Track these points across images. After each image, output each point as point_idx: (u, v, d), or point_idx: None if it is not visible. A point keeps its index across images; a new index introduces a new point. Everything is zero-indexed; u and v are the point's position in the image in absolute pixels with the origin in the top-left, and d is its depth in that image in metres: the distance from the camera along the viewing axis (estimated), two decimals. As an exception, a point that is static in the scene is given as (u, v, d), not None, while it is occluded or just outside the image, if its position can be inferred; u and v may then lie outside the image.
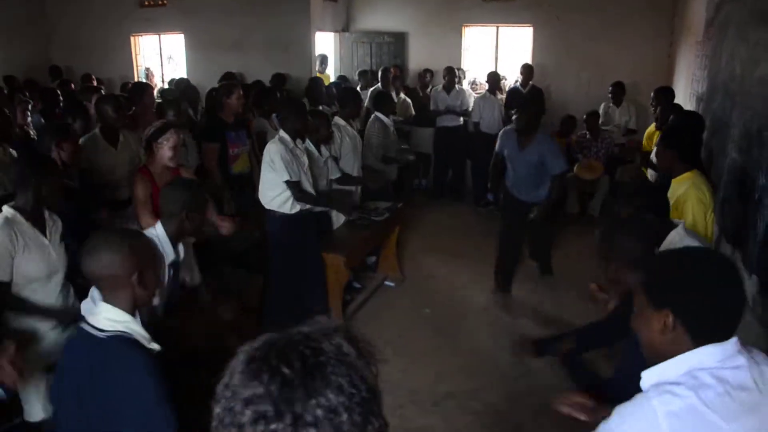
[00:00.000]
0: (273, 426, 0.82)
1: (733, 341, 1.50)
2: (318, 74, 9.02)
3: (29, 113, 6.65)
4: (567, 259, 6.36)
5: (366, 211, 5.39)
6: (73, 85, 8.84)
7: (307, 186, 4.49)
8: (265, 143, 5.66)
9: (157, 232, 2.86)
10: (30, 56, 10.77)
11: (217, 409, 0.88)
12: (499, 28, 9.85)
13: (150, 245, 2.11)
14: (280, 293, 4.51)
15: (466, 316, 5.30)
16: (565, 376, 3.17)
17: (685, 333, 1.50)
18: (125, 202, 4.37)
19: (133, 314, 1.97)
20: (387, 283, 5.87)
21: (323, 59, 9.51)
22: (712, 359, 1.47)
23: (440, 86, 8.49)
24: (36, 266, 2.98)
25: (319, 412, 0.83)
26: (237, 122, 5.37)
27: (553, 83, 9.05)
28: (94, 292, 2.09)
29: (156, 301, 2.74)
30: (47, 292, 3.08)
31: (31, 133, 6.14)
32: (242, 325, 3.30)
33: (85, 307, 2.08)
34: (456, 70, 8.65)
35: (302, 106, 4.56)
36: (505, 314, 5.32)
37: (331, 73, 9.90)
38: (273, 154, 4.35)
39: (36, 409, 3.13)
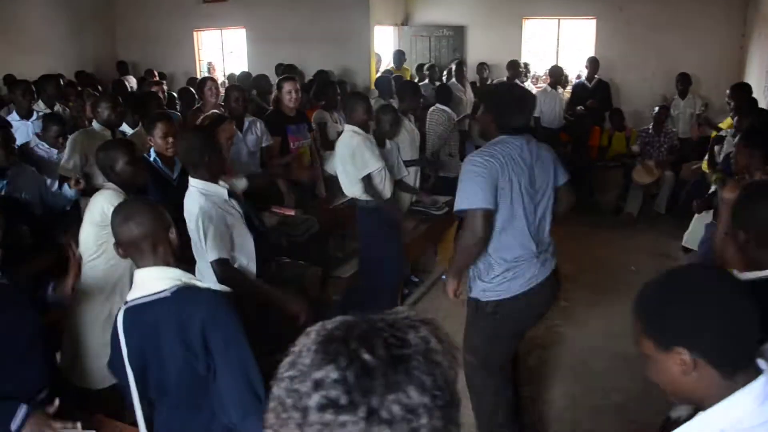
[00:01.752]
0: (343, 417, 0.74)
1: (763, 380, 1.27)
2: (394, 69, 8.90)
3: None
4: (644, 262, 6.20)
5: (425, 205, 5.37)
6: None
7: (377, 178, 4.48)
8: (325, 134, 5.76)
9: (197, 185, 2.99)
10: (97, 52, 11.17)
11: (278, 390, 0.81)
12: (561, 20, 9.67)
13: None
14: (377, 285, 4.54)
15: (524, 313, 5.22)
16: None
17: (707, 366, 1.27)
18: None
19: (177, 266, 2.04)
20: (444, 277, 5.83)
21: (400, 55, 9.31)
22: (748, 418, 1.24)
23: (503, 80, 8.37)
24: None
25: (396, 409, 0.75)
26: (298, 115, 5.41)
27: (617, 76, 8.82)
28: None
29: None
30: None
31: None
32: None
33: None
34: (522, 65, 8.51)
35: (363, 99, 4.54)
36: (567, 308, 5.23)
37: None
38: (345, 148, 4.35)
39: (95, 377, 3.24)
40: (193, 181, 3.02)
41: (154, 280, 1.95)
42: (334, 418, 0.74)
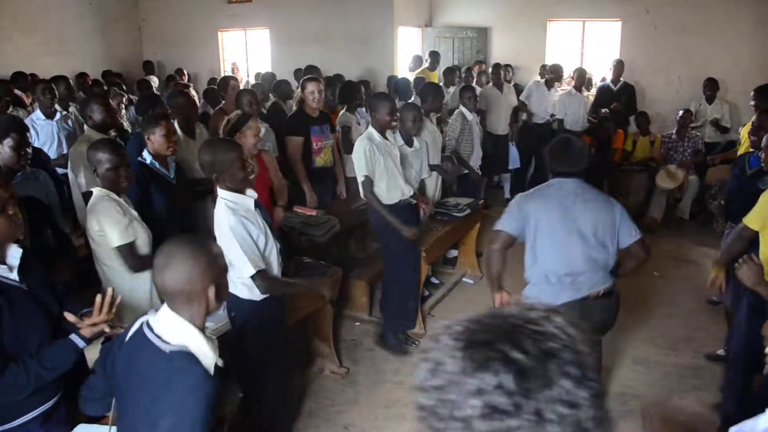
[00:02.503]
0: (510, 422, 0.73)
1: None
2: (428, 71, 8.79)
3: (124, 106, 6.95)
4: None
5: (447, 206, 5.36)
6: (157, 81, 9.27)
7: (399, 179, 4.48)
8: (349, 137, 5.77)
9: (224, 196, 2.99)
10: (123, 51, 11.32)
11: (425, 401, 0.79)
12: (586, 22, 9.60)
13: (223, 256, 1.97)
14: (400, 282, 4.56)
15: (544, 315, 5.19)
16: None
17: None
18: (204, 193, 4.53)
19: (201, 326, 1.87)
20: (465, 279, 5.83)
21: (434, 55, 9.01)
22: None
23: (541, 81, 8.33)
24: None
25: (560, 407, 0.74)
26: (321, 116, 5.44)
27: (642, 80, 8.73)
28: None
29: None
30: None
31: (125, 125, 6.42)
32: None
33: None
34: (540, 67, 8.47)
35: (386, 99, 4.53)
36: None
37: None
38: (356, 152, 4.39)
39: None
40: (221, 193, 3.01)
41: (168, 325, 1.84)
42: (501, 424, 0.73)
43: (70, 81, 6.64)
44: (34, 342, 2.25)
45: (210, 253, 1.87)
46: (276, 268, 3.15)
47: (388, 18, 9.23)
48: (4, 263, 2.18)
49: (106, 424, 2.56)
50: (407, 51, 10.06)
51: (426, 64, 8.88)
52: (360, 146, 4.34)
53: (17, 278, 2.21)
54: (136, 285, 3.23)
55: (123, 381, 1.89)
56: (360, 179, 4.37)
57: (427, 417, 0.78)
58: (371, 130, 4.43)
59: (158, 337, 1.81)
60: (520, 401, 0.73)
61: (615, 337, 4.77)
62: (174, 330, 1.82)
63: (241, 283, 3.01)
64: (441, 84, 7.90)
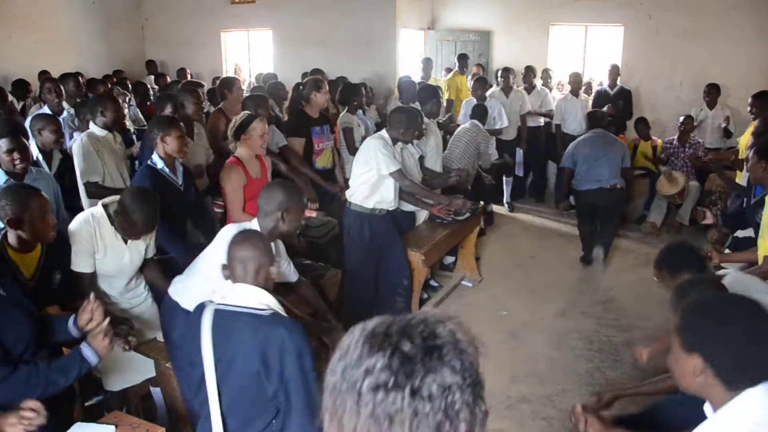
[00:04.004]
0: (391, 396, 0.89)
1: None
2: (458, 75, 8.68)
3: (126, 105, 6.96)
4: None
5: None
6: (168, 79, 9.26)
7: (392, 188, 4.49)
8: (352, 139, 5.77)
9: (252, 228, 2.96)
10: (126, 51, 11.33)
11: (333, 379, 0.95)
12: (588, 27, 9.61)
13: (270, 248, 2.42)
14: (356, 290, 4.57)
15: (542, 320, 5.20)
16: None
17: (714, 378, 1.53)
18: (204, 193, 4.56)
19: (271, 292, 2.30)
20: (464, 283, 5.84)
21: (463, 59, 8.79)
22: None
23: (521, 87, 8.34)
24: (108, 265, 3.22)
25: (434, 387, 0.89)
26: (321, 117, 5.45)
27: (643, 85, 8.74)
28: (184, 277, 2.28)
29: None
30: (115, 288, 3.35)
31: (128, 124, 6.43)
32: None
33: (183, 288, 2.55)
34: (542, 71, 8.46)
35: (413, 118, 4.49)
36: (582, 319, 5.20)
37: (417, 72, 9.84)
38: (368, 151, 4.37)
39: (115, 379, 3.34)
40: (254, 226, 3.01)
41: (253, 296, 2.24)
42: (384, 397, 0.89)
43: (80, 78, 6.64)
44: (21, 347, 2.31)
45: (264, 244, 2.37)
46: None
47: (391, 20, 9.23)
48: None
49: (103, 422, 2.59)
50: (410, 54, 10.08)
51: (455, 68, 8.83)
52: (377, 144, 4.34)
53: None
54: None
55: (223, 358, 2.23)
56: (386, 171, 4.37)
57: (330, 393, 0.95)
58: (384, 134, 4.43)
59: (248, 308, 2.22)
60: (401, 380, 0.89)
61: (612, 341, 4.80)
62: (259, 298, 2.25)
63: None
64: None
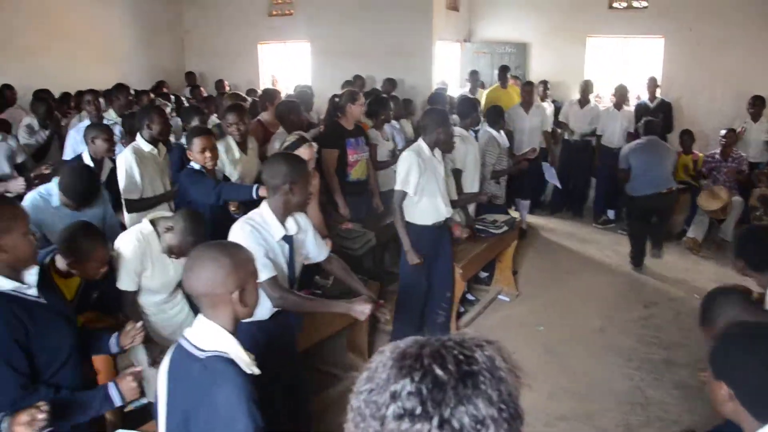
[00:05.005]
0: (418, 425, 0.81)
1: None
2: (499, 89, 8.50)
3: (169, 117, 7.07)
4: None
5: (484, 223, 5.33)
6: (203, 91, 9.42)
7: (438, 199, 4.41)
8: (375, 153, 5.76)
9: (260, 211, 2.91)
10: (167, 62, 11.53)
11: (357, 402, 0.88)
12: (627, 39, 9.49)
13: (252, 260, 2.00)
14: (409, 301, 4.52)
15: (580, 336, 5.12)
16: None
17: (741, 406, 1.56)
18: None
19: (233, 331, 1.90)
20: (501, 297, 5.79)
21: (503, 70, 8.65)
22: None
23: (575, 99, 8.25)
24: (155, 282, 3.24)
25: (466, 420, 0.81)
26: (356, 129, 5.46)
27: (685, 97, 8.58)
28: None
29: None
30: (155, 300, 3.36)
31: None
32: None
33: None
34: (582, 83, 8.38)
35: (443, 116, 4.44)
36: (621, 336, 5.10)
37: (454, 84, 9.84)
38: (402, 164, 4.32)
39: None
40: (263, 206, 2.93)
41: (201, 332, 1.88)
42: (409, 426, 0.81)
43: (130, 90, 6.79)
44: (64, 354, 2.32)
45: (235, 258, 1.90)
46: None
47: (427, 33, 9.22)
48: (21, 282, 2.21)
49: (144, 431, 2.62)
50: (446, 66, 10.07)
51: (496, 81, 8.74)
52: (407, 159, 4.25)
53: (36, 294, 2.25)
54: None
55: (168, 399, 1.92)
56: (396, 188, 4.32)
57: (354, 417, 0.87)
58: (421, 144, 4.32)
59: (194, 345, 1.85)
60: (430, 409, 0.81)
61: (652, 359, 4.70)
62: (208, 336, 1.86)
63: None
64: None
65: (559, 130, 8.39)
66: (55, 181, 3.70)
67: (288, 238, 2.94)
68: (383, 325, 4.89)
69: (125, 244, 3.15)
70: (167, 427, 1.93)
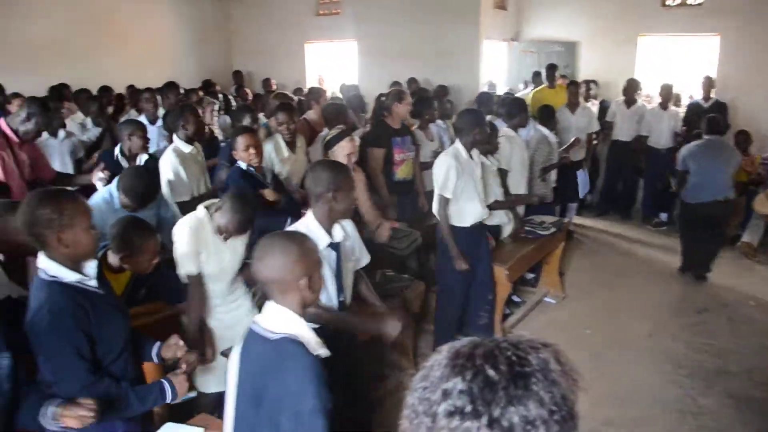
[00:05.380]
0: (467, 423, 0.83)
1: None
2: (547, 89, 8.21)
3: (216, 114, 7.20)
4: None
5: (532, 224, 5.27)
6: (248, 91, 9.56)
7: (476, 202, 4.40)
8: (417, 155, 5.75)
9: (305, 220, 2.92)
10: (215, 61, 11.74)
11: (411, 399, 0.90)
12: (680, 37, 9.26)
13: (317, 249, 2.09)
14: (448, 303, 4.51)
15: (627, 340, 5.02)
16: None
17: None
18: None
19: (301, 315, 1.99)
20: (547, 299, 5.72)
21: (551, 69, 8.32)
22: None
23: (621, 99, 8.08)
24: (211, 266, 3.27)
25: (516, 419, 0.82)
26: (403, 128, 5.45)
27: (740, 97, 8.31)
28: None
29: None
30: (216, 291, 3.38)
31: (216, 132, 6.66)
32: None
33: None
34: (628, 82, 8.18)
35: (478, 116, 4.42)
36: (671, 342, 4.98)
37: (499, 84, 9.75)
38: (438, 167, 4.31)
39: (208, 381, 3.39)
40: (308, 214, 2.94)
41: (272, 316, 1.98)
42: (459, 423, 0.83)
43: (180, 89, 6.96)
44: (119, 344, 2.38)
45: (301, 246, 2.02)
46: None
47: (475, 31, 9.16)
48: (83, 274, 2.28)
49: (192, 424, 2.67)
50: (493, 65, 9.99)
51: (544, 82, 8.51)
52: (444, 163, 4.23)
53: (96, 285, 2.32)
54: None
55: (239, 380, 2.02)
56: (436, 195, 4.31)
57: (409, 413, 0.90)
58: (458, 146, 4.30)
59: (264, 328, 1.95)
60: (480, 408, 0.82)
61: (704, 366, 4.58)
62: (278, 319, 1.96)
63: None
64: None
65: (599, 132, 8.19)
66: (116, 182, 3.80)
67: (335, 246, 2.93)
68: (430, 326, 4.90)
69: (180, 228, 3.22)
70: (237, 407, 2.02)
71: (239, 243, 3.36)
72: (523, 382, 0.85)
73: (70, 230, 2.17)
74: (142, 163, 4.56)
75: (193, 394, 3.55)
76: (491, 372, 0.85)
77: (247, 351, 2.01)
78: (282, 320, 1.95)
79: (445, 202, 4.24)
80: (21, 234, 2.22)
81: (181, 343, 2.61)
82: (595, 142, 7.88)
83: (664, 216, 7.83)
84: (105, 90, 7.83)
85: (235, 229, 3.21)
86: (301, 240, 2.06)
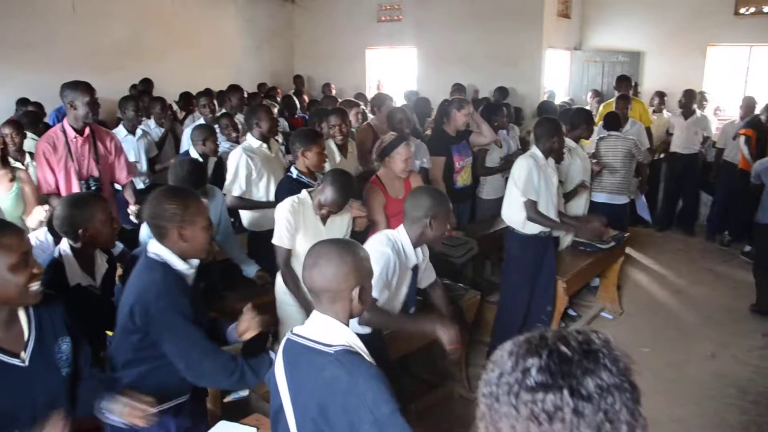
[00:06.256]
0: (550, 395, 0.89)
1: None
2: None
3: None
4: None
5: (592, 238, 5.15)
6: (305, 96, 9.69)
7: (551, 207, 4.35)
8: (483, 160, 5.71)
9: (400, 237, 3.00)
10: (276, 66, 11.94)
11: (487, 389, 0.97)
12: (753, 47, 8.94)
13: (369, 260, 2.04)
14: (509, 312, 4.49)
15: (689, 362, 4.84)
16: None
17: None
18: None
19: (347, 325, 1.95)
20: (604, 314, 5.59)
21: (623, 80, 8.05)
22: None
23: (679, 111, 7.84)
24: (306, 246, 3.30)
25: (592, 388, 0.89)
26: (460, 135, 5.43)
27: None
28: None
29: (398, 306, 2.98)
30: None
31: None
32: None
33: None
34: (697, 94, 7.93)
35: (558, 125, 4.39)
36: (735, 365, 4.79)
37: (561, 93, 9.59)
38: (518, 171, 4.28)
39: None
40: (401, 230, 3.02)
41: (322, 329, 1.91)
42: (543, 396, 0.90)
43: (244, 92, 7.15)
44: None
45: (356, 255, 1.95)
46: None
47: (537, 39, 9.05)
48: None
49: (246, 424, 2.69)
50: (554, 74, 9.86)
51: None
52: (524, 165, 4.23)
53: (193, 279, 2.44)
54: None
55: (292, 393, 1.95)
56: (522, 199, 4.26)
57: (486, 401, 0.96)
58: (536, 151, 4.31)
59: (317, 342, 1.88)
60: (560, 381, 0.89)
61: (756, 380, 4.38)
62: (331, 331, 1.90)
63: None
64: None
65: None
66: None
67: (414, 267, 3.08)
68: (481, 337, 4.85)
69: (281, 205, 3.42)
70: (298, 422, 1.96)
71: (339, 225, 3.51)
72: (593, 356, 0.92)
73: (191, 227, 2.31)
74: (212, 167, 4.77)
75: (244, 393, 3.60)
76: (564, 349, 0.93)
77: (296, 363, 1.93)
78: (334, 331, 1.90)
79: (532, 205, 4.25)
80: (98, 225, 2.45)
81: (252, 312, 2.61)
82: (659, 156, 7.69)
83: (726, 234, 7.54)
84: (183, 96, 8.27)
85: (333, 202, 3.34)
86: (356, 249, 2.01)
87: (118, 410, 2.09)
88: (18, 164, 4.33)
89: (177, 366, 2.31)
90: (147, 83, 8.76)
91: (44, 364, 2.00)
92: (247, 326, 2.57)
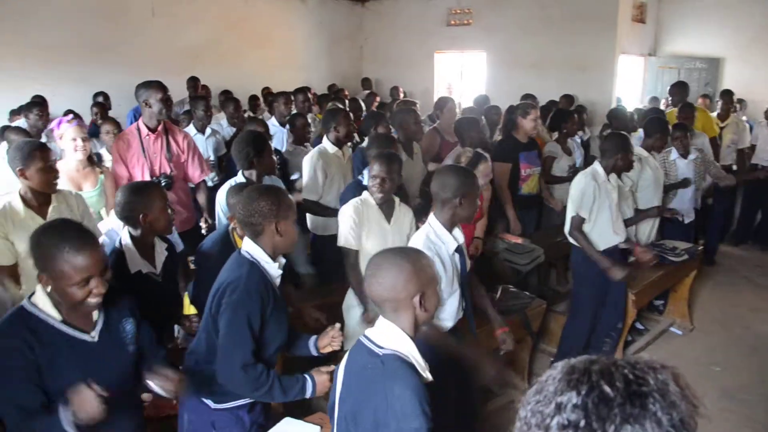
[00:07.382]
0: None
1: None
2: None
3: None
4: None
5: (663, 249, 5.01)
6: (378, 97, 9.74)
7: (608, 228, 4.24)
8: (550, 167, 5.62)
9: (431, 227, 2.92)
10: (345, 68, 12.08)
11: (524, 412, 0.91)
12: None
13: (432, 265, 2.02)
14: (576, 325, 4.41)
15: (763, 382, 4.65)
16: None
17: None
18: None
19: (413, 335, 1.92)
20: (673, 329, 5.41)
21: (678, 86, 7.66)
22: None
23: (764, 120, 7.51)
24: (372, 244, 3.38)
25: None
26: (530, 143, 5.37)
27: None
28: None
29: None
30: None
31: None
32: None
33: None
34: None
35: (627, 143, 4.25)
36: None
37: (635, 100, 9.36)
38: (575, 187, 4.21)
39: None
40: (432, 220, 2.96)
41: (382, 332, 1.93)
42: None
43: (309, 93, 7.28)
44: (280, 341, 2.51)
45: (416, 263, 1.93)
46: (448, 318, 3.03)
47: (610, 45, 8.86)
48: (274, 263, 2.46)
49: (310, 421, 2.73)
50: (627, 81, 9.62)
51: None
52: (582, 182, 4.15)
53: (278, 279, 2.50)
54: None
55: (342, 390, 2.00)
56: (570, 214, 4.20)
57: (520, 426, 0.91)
58: (597, 167, 4.21)
59: (373, 343, 1.90)
60: (594, 424, 0.82)
61: None
62: (388, 335, 1.90)
63: None
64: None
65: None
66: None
67: (459, 249, 2.96)
68: (546, 346, 4.78)
69: (345, 207, 3.46)
70: (338, 416, 2.00)
71: (404, 222, 3.51)
72: (639, 401, 0.83)
73: (284, 221, 2.41)
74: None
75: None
76: (607, 388, 0.84)
77: (352, 362, 1.97)
78: (392, 337, 1.89)
79: (579, 221, 4.15)
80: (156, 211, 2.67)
81: (338, 330, 2.66)
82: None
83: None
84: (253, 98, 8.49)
85: (380, 171, 3.36)
86: (415, 256, 1.99)
87: (158, 382, 2.18)
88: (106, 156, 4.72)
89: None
90: (194, 80, 8.91)
91: (112, 341, 2.17)
92: (329, 342, 2.64)
